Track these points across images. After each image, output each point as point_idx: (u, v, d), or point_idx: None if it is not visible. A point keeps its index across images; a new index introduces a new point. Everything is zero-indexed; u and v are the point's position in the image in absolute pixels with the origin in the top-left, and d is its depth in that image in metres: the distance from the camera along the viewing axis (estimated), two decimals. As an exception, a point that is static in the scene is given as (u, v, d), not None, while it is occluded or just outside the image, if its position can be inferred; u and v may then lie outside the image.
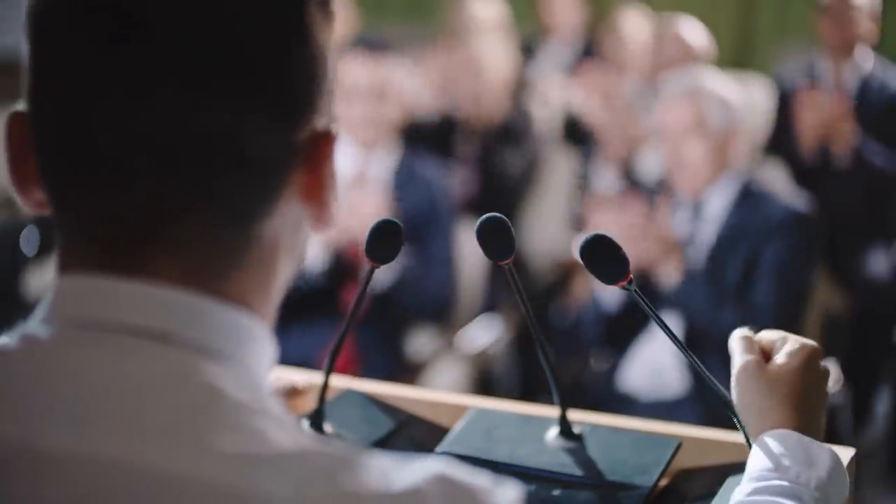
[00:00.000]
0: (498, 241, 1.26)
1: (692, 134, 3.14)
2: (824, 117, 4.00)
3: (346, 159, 3.42)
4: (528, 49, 5.57)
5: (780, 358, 1.19)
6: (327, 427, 1.40)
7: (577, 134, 4.67)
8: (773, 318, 2.94)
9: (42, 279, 3.88)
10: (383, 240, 1.30)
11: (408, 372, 3.42)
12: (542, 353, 1.35)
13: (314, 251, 3.24)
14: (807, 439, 1.13)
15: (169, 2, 0.77)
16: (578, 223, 4.20)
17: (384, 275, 3.27)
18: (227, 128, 0.78)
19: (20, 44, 0.82)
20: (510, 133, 4.41)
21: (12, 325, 0.82)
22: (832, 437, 1.20)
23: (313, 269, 3.27)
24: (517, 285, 1.29)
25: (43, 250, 3.92)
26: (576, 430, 1.37)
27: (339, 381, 1.52)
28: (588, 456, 1.33)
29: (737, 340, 1.22)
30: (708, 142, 3.14)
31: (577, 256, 1.24)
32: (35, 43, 0.80)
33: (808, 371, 1.18)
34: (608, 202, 3.39)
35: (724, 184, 3.17)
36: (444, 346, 3.65)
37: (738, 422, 1.20)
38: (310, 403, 1.45)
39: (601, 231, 1.24)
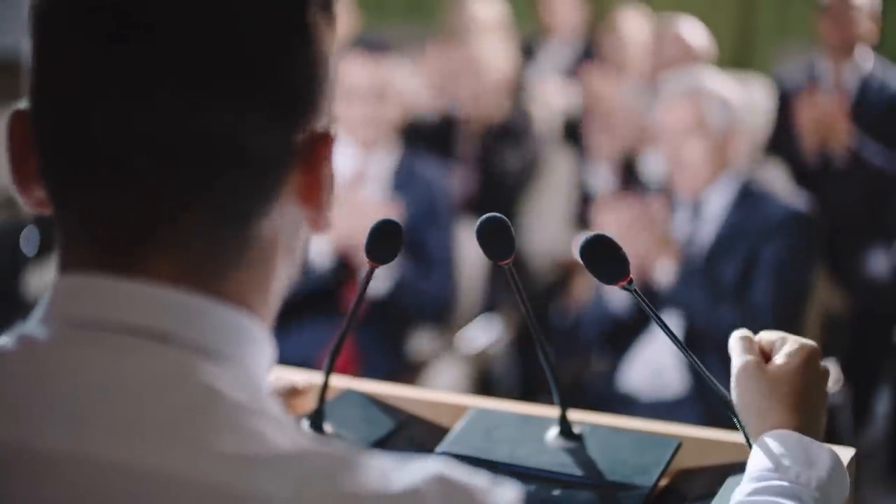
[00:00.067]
0: (498, 241, 1.26)
1: (692, 134, 3.14)
2: (824, 118, 4.00)
3: (345, 159, 3.42)
4: (528, 49, 5.57)
5: (779, 358, 1.19)
6: (327, 427, 1.40)
7: (577, 134, 4.67)
8: (772, 317, 2.94)
9: (42, 279, 3.88)
10: (383, 240, 1.30)
11: (408, 372, 3.42)
12: (542, 353, 1.35)
13: (314, 251, 3.25)
14: (807, 439, 1.13)
15: (169, 2, 0.77)
16: (578, 223, 4.21)
17: (384, 275, 3.27)
18: (226, 128, 0.78)
19: (20, 44, 0.82)
20: (510, 133, 4.41)
21: (12, 325, 0.82)
22: (832, 437, 1.20)
23: (314, 270, 3.27)
24: (517, 285, 1.29)
25: (43, 250, 3.92)
26: (576, 430, 1.37)
27: (339, 381, 1.52)
28: (588, 456, 1.33)
29: (736, 341, 1.22)
30: (708, 142, 3.14)
31: (577, 256, 1.24)
32: (37, 42, 0.81)
33: (807, 371, 1.18)
34: (608, 202, 3.39)
35: (724, 183, 3.17)
36: (444, 347, 3.65)
37: (738, 422, 1.20)
38: (310, 403, 1.45)
39: (601, 231, 1.24)
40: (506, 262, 1.26)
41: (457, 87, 4.39)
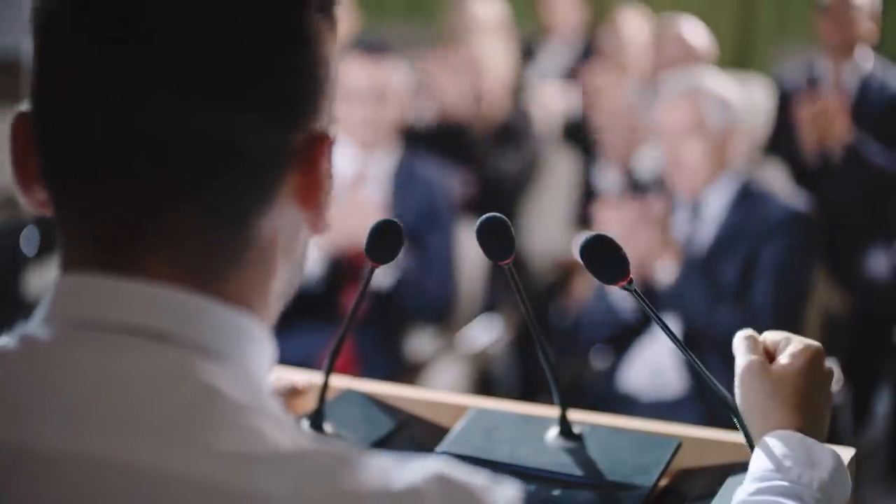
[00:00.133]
0: (498, 241, 1.26)
1: (691, 134, 3.14)
2: (824, 116, 4.00)
3: (345, 160, 3.42)
4: (528, 49, 5.57)
5: (783, 358, 1.19)
6: (327, 427, 1.40)
7: (577, 135, 4.67)
8: (772, 317, 2.94)
9: (42, 279, 3.88)
10: (383, 240, 1.30)
11: (408, 372, 3.42)
12: (542, 353, 1.35)
13: (314, 252, 3.24)
14: (809, 440, 1.13)
15: (169, 4, 0.77)
16: (579, 223, 4.21)
17: (384, 275, 3.27)
18: (223, 129, 0.78)
19: (20, 44, 0.82)
20: (510, 133, 4.41)
21: (12, 325, 0.82)
22: (832, 437, 1.20)
23: (313, 270, 3.27)
24: (517, 285, 1.29)
25: (43, 250, 3.92)
26: (576, 430, 1.37)
27: (339, 381, 1.52)
28: (588, 456, 1.33)
29: (740, 340, 1.22)
30: (707, 142, 3.14)
31: (577, 256, 1.24)
32: (38, 44, 0.81)
33: (811, 371, 1.18)
34: (608, 202, 3.39)
35: (723, 183, 3.17)
36: (444, 346, 3.65)
37: (739, 422, 1.20)
38: (310, 403, 1.45)
39: (601, 231, 1.24)
40: (506, 262, 1.26)
41: (457, 88, 4.39)
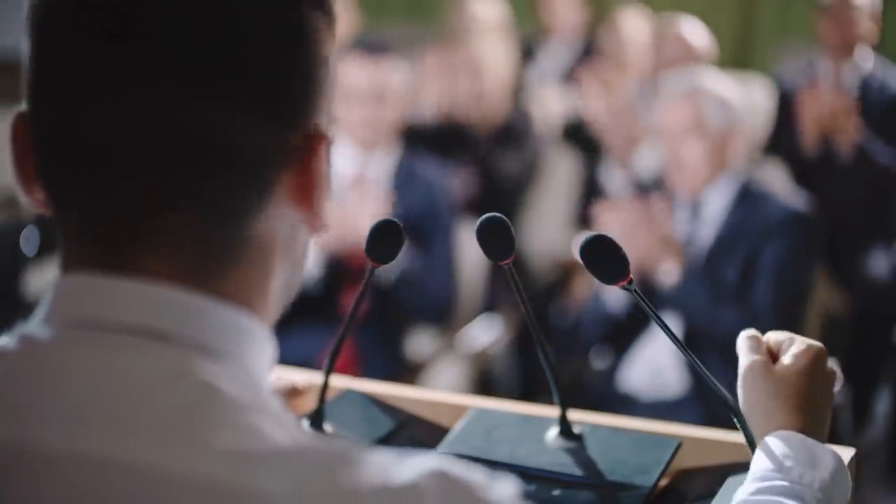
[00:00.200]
0: (498, 241, 1.26)
1: (691, 134, 3.14)
2: (826, 112, 3.99)
3: (345, 161, 3.42)
4: (528, 50, 5.57)
5: (786, 359, 1.19)
6: (327, 427, 1.40)
7: (577, 135, 4.67)
8: (772, 318, 2.94)
9: (42, 279, 3.88)
10: (383, 240, 1.30)
11: (408, 372, 3.42)
12: (542, 353, 1.35)
13: (314, 252, 3.24)
14: (811, 441, 1.13)
15: (167, 2, 0.77)
16: (578, 223, 4.21)
17: (384, 275, 3.27)
18: (219, 127, 0.78)
19: (20, 44, 0.82)
20: (510, 133, 4.41)
21: (12, 325, 0.82)
22: (832, 437, 1.20)
23: (314, 270, 3.27)
24: (517, 285, 1.29)
25: (43, 250, 3.92)
26: (576, 430, 1.37)
27: (339, 381, 1.52)
28: (588, 456, 1.33)
29: (744, 340, 1.22)
30: (707, 142, 3.14)
31: (577, 256, 1.24)
32: (34, 42, 0.81)
33: (813, 372, 1.18)
34: (608, 202, 3.39)
35: (723, 184, 3.17)
36: (444, 346, 3.65)
37: (739, 422, 1.20)
38: (310, 403, 1.45)
39: (601, 231, 1.24)
40: (506, 262, 1.27)
41: (457, 88, 4.39)
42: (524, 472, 1.31)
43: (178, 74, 0.77)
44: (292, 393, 1.48)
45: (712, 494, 1.24)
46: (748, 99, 3.98)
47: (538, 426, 1.39)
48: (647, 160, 4.13)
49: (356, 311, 1.35)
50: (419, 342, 3.57)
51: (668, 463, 1.31)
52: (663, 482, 1.31)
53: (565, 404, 1.37)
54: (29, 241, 3.93)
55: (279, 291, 0.86)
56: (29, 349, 0.79)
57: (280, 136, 0.81)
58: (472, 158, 4.29)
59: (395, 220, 1.30)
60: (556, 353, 1.54)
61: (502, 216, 1.26)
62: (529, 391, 3.84)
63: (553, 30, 5.75)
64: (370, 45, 3.54)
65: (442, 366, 3.58)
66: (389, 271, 3.28)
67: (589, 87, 4.67)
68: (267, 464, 0.72)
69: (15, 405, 0.76)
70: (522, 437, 1.37)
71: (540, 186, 4.48)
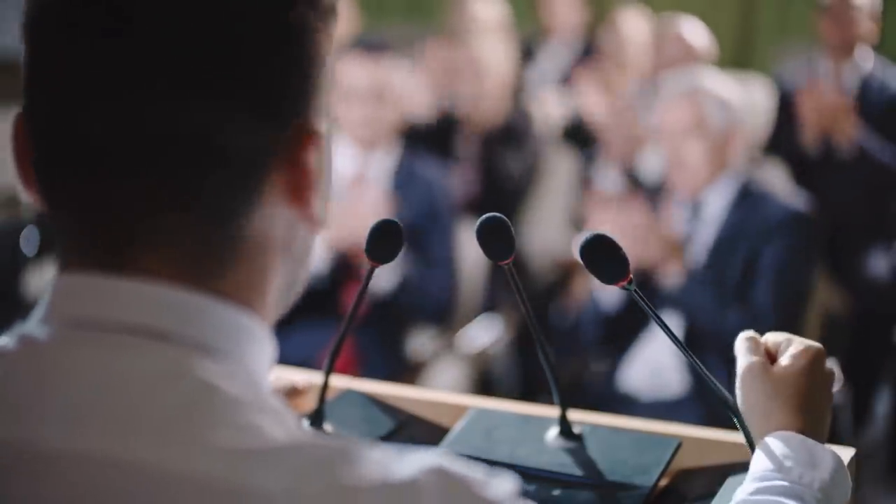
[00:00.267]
0: (498, 241, 1.26)
1: (692, 134, 3.14)
2: (826, 110, 3.99)
3: (345, 160, 3.42)
4: (527, 50, 5.57)
5: (784, 360, 1.19)
6: (327, 427, 1.40)
7: (577, 135, 4.67)
8: (772, 318, 2.94)
9: (42, 279, 3.88)
10: (383, 239, 1.30)
11: (408, 372, 3.42)
12: (542, 353, 1.35)
13: (315, 252, 3.24)
14: (810, 441, 1.13)
15: (163, 0, 0.77)
16: (579, 223, 4.21)
17: (384, 275, 3.27)
18: (215, 127, 0.78)
19: (21, 44, 0.82)
20: (510, 133, 4.41)
21: (12, 325, 0.82)
22: (832, 437, 1.20)
23: (314, 270, 3.27)
24: (517, 285, 1.29)
25: (43, 250, 3.92)
26: (576, 430, 1.37)
27: (339, 381, 1.52)
28: (588, 456, 1.33)
29: (742, 342, 1.22)
30: (707, 142, 3.14)
31: (577, 256, 1.24)
32: (29, 41, 0.81)
33: (812, 372, 1.18)
34: (609, 202, 3.38)
35: (724, 184, 3.17)
36: (444, 346, 3.65)
37: (739, 422, 1.20)
38: (310, 403, 1.45)
39: (601, 231, 1.24)
40: (506, 262, 1.26)
41: (457, 88, 4.39)
42: (524, 472, 1.31)
43: (175, 73, 0.77)
44: (292, 393, 1.48)
45: (712, 494, 1.24)
46: (748, 99, 3.97)
47: (538, 426, 1.39)
48: (647, 160, 4.13)
49: (356, 311, 1.35)
50: (419, 342, 3.57)
51: (668, 463, 1.31)
52: (663, 482, 1.31)
53: (565, 404, 1.37)
54: (29, 241, 3.93)
55: (280, 290, 0.86)
56: (28, 349, 0.79)
57: (273, 136, 0.81)
58: (472, 158, 4.29)
59: (395, 219, 1.30)
60: (556, 353, 1.54)
61: (502, 216, 1.26)
62: (529, 391, 3.84)
63: (553, 30, 5.75)
64: (370, 45, 3.54)
65: (442, 366, 3.58)
66: (389, 279, 3.28)
67: (589, 87, 4.67)
68: (266, 461, 0.72)
69: (14, 405, 0.76)
70: (522, 437, 1.37)
71: (540, 186, 4.48)
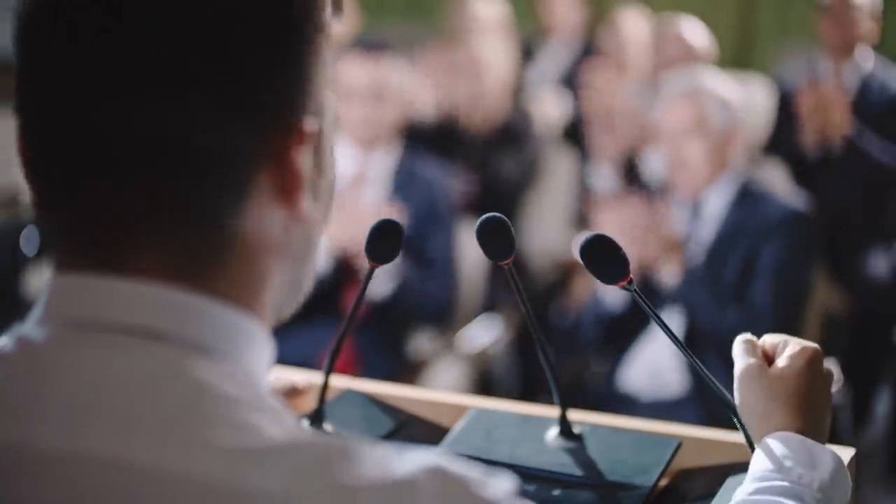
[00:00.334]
0: (498, 241, 1.26)
1: (692, 134, 3.14)
2: (827, 108, 3.99)
3: (345, 160, 3.42)
4: (527, 50, 5.57)
5: (781, 361, 1.19)
6: (327, 427, 1.40)
7: (577, 135, 4.67)
8: (771, 317, 2.95)
9: (42, 279, 3.88)
10: (383, 239, 1.30)
11: (408, 372, 3.42)
12: (542, 353, 1.35)
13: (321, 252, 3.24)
14: (810, 441, 1.13)
15: (135, 3, 0.77)
16: (579, 223, 4.21)
17: (385, 278, 3.27)
18: (194, 126, 0.77)
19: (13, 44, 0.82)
20: (510, 133, 4.41)
21: (12, 325, 0.82)
22: (832, 437, 1.20)
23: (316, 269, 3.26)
24: (517, 285, 1.29)
25: (43, 250, 3.92)
26: (576, 430, 1.37)
27: (339, 381, 1.52)
28: (588, 456, 1.33)
29: (739, 344, 1.23)
30: (708, 142, 3.14)
31: (577, 256, 1.24)
32: (18, 41, 0.81)
33: (810, 373, 1.18)
34: (609, 202, 3.39)
35: (723, 183, 3.17)
36: (444, 346, 3.65)
37: (739, 422, 1.20)
38: (310, 403, 1.45)
39: (601, 231, 1.24)
40: (506, 262, 1.26)
41: (457, 88, 4.39)
42: (524, 472, 1.31)
43: (161, 75, 0.76)
44: (292, 393, 1.48)
45: (712, 494, 1.24)
46: (748, 99, 3.97)
47: (538, 426, 1.39)
48: (647, 160, 4.13)
49: (356, 311, 1.35)
50: (419, 342, 3.57)
51: (668, 463, 1.31)
52: (663, 482, 1.31)
53: (565, 404, 1.37)
54: (29, 241, 3.93)
55: (282, 290, 0.86)
56: (26, 350, 0.79)
57: (258, 136, 0.80)
58: (471, 158, 4.29)
59: (395, 219, 1.30)
60: (556, 353, 1.54)
61: (502, 216, 1.26)
62: (529, 391, 3.84)
63: (553, 30, 5.75)
64: (370, 45, 3.54)
65: (442, 366, 3.58)
66: (389, 278, 3.28)
67: (589, 87, 4.67)
68: (264, 461, 0.72)
69: (13, 406, 0.76)
70: (522, 437, 1.37)
71: (540, 186, 4.48)
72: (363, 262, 1.32)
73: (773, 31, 6.33)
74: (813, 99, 4.02)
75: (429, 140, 4.22)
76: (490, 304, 3.94)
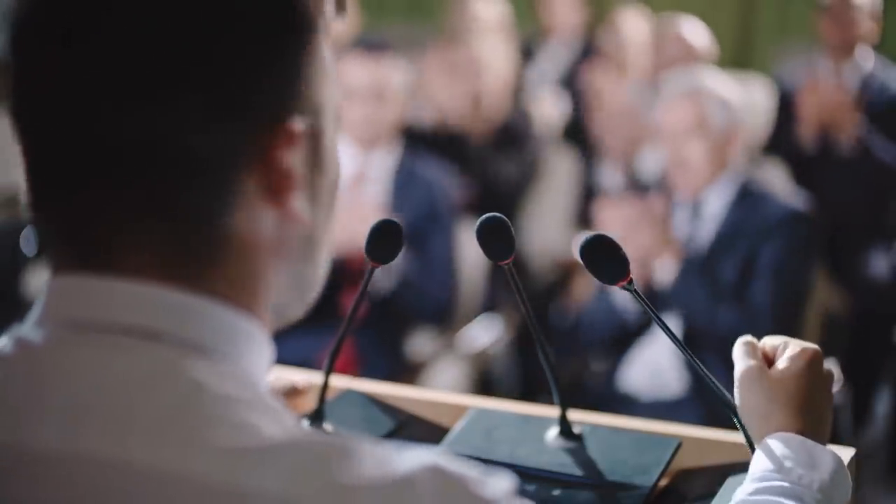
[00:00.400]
0: (498, 241, 1.26)
1: (692, 134, 3.14)
2: (826, 108, 3.99)
3: (345, 160, 3.42)
4: (527, 50, 5.57)
5: (781, 362, 1.19)
6: (327, 427, 1.40)
7: (577, 135, 4.67)
8: (771, 317, 2.95)
9: (42, 279, 3.88)
10: (383, 239, 1.29)
11: (408, 372, 3.42)
12: (542, 353, 1.35)
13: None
14: (810, 442, 1.14)
15: (123, 4, 0.76)
16: (579, 223, 4.21)
17: (385, 276, 3.27)
18: (180, 127, 0.77)
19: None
20: (510, 133, 4.41)
21: (12, 325, 0.82)
22: (832, 437, 1.20)
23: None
24: (517, 285, 1.29)
25: (42, 250, 3.91)
26: (576, 430, 1.37)
27: (339, 381, 1.52)
28: (588, 456, 1.33)
29: (739, 347, 1.23)
30: (708, 142, 3.14)
31: (577, 256, 1.24)
32: (9, 44, 0.80)
33: (810, 374, 1.18)
34: (609, 201, 3.39)
35: (723, 183, 3.17)
36: (444, 346, 3.65)
37: (739, 422, 1.20)
38: (310, 403, 1.45)
39: (601, 231, 1.24)
40: (506, 262, 1.26)
41: (457, 88, 4.39)
42: (524, 472, 1.31)
43: (153, 77, 0.76)
44: (292, 393, 1.48)
45: (712, 494, 1.24)
46: (748, 99, 3.98)
47: (538, 426, 1.39)
48: (647, 160, 4.13)
49: (356, 312, 1.35)
50: (419, 342, 3.57)
51: (668, 463, 1.31)
52: (663, 482, 1.31)
53: (565, 404, 1.37)
54: (29, 241, 3.93)
55: (285, 291, 0.85)
56: (24, 352, 0.79)
57: (243, 136, 0.79)
58: (471, 158, 4.28)
59: (395, 219, 1.30)
60: (556, 353, 1.54)
61: (502, 216, 1.26)
62: (529, 391, 3.84)
63: (553, 30, 5.75)
64: (370, 45, 3.54)
65: (442, 366, 3.58)
66: (389, 278, 3.28)
67: (589, 87, 4.67)
68: (263, 460, 0.72)
69: (13, 408, 0.76)
70: (522, 437, 1.38)
71: (540, 186, 4.49)
72: (363, 263, 1.32)
73: (773, 31, 6.33)
74: (814, 99, 4.02)
75: (429, 140, 4.22)
76: (490, 304, 3.94)
